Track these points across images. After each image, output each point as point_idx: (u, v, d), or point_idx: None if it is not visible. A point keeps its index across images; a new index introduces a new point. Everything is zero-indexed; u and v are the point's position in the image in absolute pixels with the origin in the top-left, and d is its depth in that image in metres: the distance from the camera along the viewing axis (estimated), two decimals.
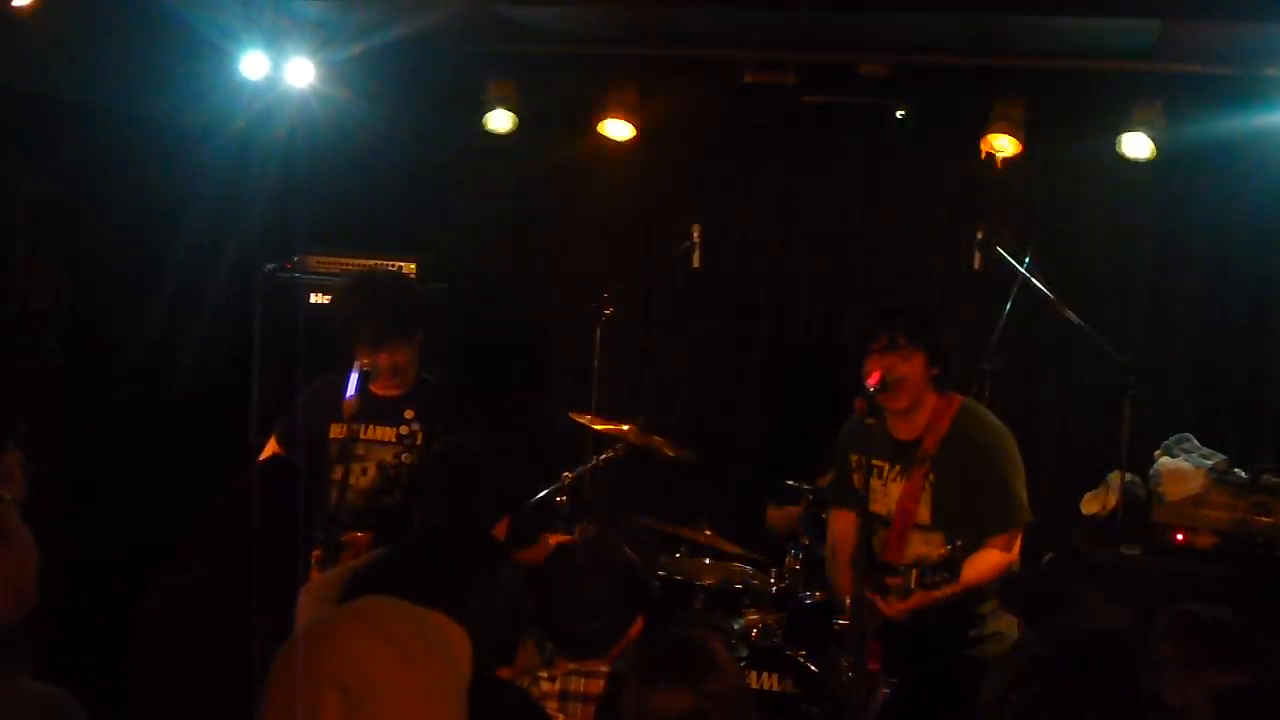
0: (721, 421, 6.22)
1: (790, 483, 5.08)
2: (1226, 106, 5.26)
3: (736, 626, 4.42)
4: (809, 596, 4.51)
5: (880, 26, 5.45)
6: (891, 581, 3.55)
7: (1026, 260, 4.93)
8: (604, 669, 2.73)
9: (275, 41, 5.43)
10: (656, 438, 4.90)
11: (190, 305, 5.73)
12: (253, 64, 5.41)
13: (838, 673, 3.83)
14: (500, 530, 3.26)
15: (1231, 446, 5.24)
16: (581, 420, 4.97)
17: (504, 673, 2.45)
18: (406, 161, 6.28)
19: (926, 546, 3.76)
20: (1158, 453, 5.27)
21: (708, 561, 4.86)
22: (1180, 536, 4.98)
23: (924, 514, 3.81)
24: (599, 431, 4.91)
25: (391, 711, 1.47)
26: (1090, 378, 5.67)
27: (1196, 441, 5.28)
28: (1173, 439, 5.31)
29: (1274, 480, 4.95)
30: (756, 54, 5.66)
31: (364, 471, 4.08)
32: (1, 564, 2.04)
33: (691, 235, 5.56)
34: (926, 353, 3.74)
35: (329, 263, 5.75)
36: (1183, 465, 5.12)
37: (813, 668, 4.12)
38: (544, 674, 2.74)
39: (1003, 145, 5.43)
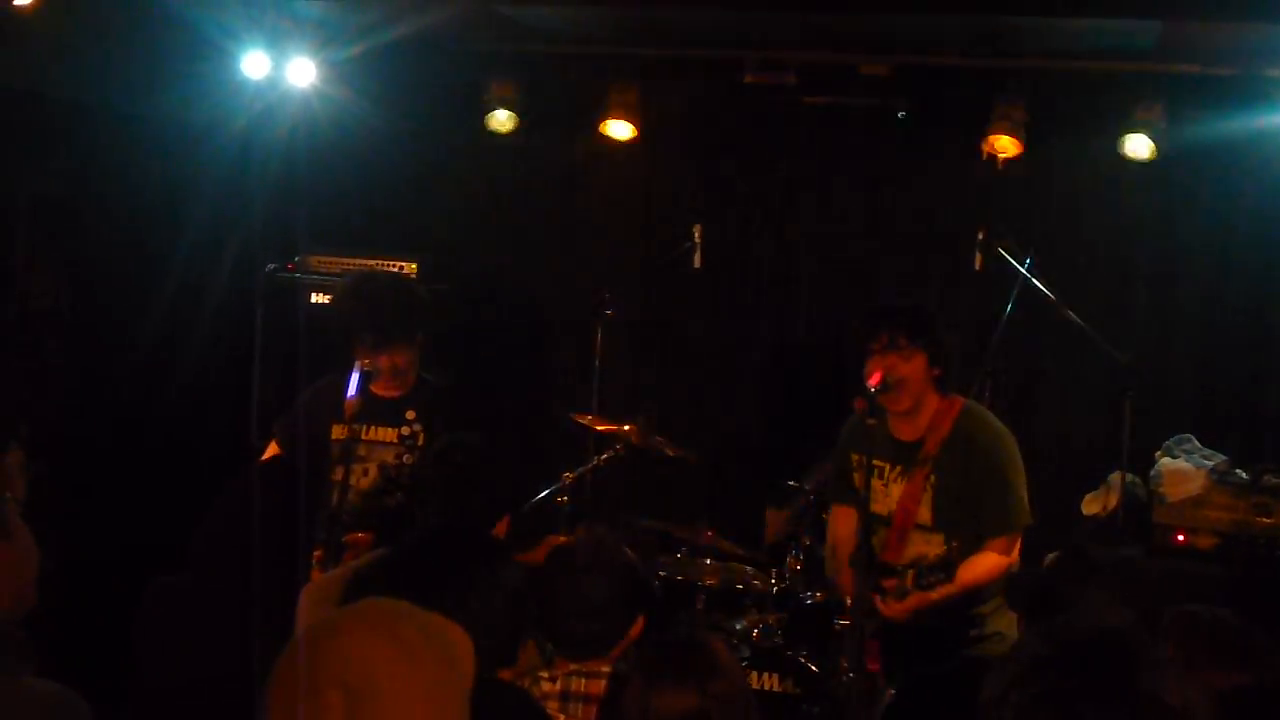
0: (722, 421, 6.22)
1: (791, 483, 5.08)
2: (1227, 107, 5.27)
3: (738, 627, 4.42)
4: (810, 597, 4.51)
5: (881, 27, 5.44)
6: (888, 583, 3.55)
7: (1027, 261, 4.94)
8: (605, 669, 2.73)
9: (277, 41, 5.43)
10: (657, 437, 4.90)
11: (191, 305, 5.72)
12: (254, 64, 5.41)
13: (837, 673, 3.83)
14: (500, 529, 3.27)
15: (1232, 447, 5.24)
16: (582, 420, 4.97)
17: (505, 674, 2.45)
18: (407, 161, 6.28)
19: (927, 547, 3.76)
20: (1158, 453, 5.27)
21: (708, 562, 4.86)
22: (1181, 537, 4.99)
23: (925, 515, 3.81)
24: (600, 431, 4.91)
25: (394, 712, 1.47)
26: (1091, 378, 5.67)
27: (1197, 442, 5.28)
28: (1173, 440, 5.31)
29: (1275, 481, 4.96)
30: (757, 54, 5.66)
31: (365, 472, 4.08)
32: (2, 564, 2.04)
33: (692, 235, 5.57)
34: (927, 353, 3.74)
35: (330, 262, 5.75)
36: (1183, 466, 5.12)
37: (813, 668, 4.12)
38: (545, 674, 2.74)
39: (1004, 146, 5.43)
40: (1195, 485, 5.02)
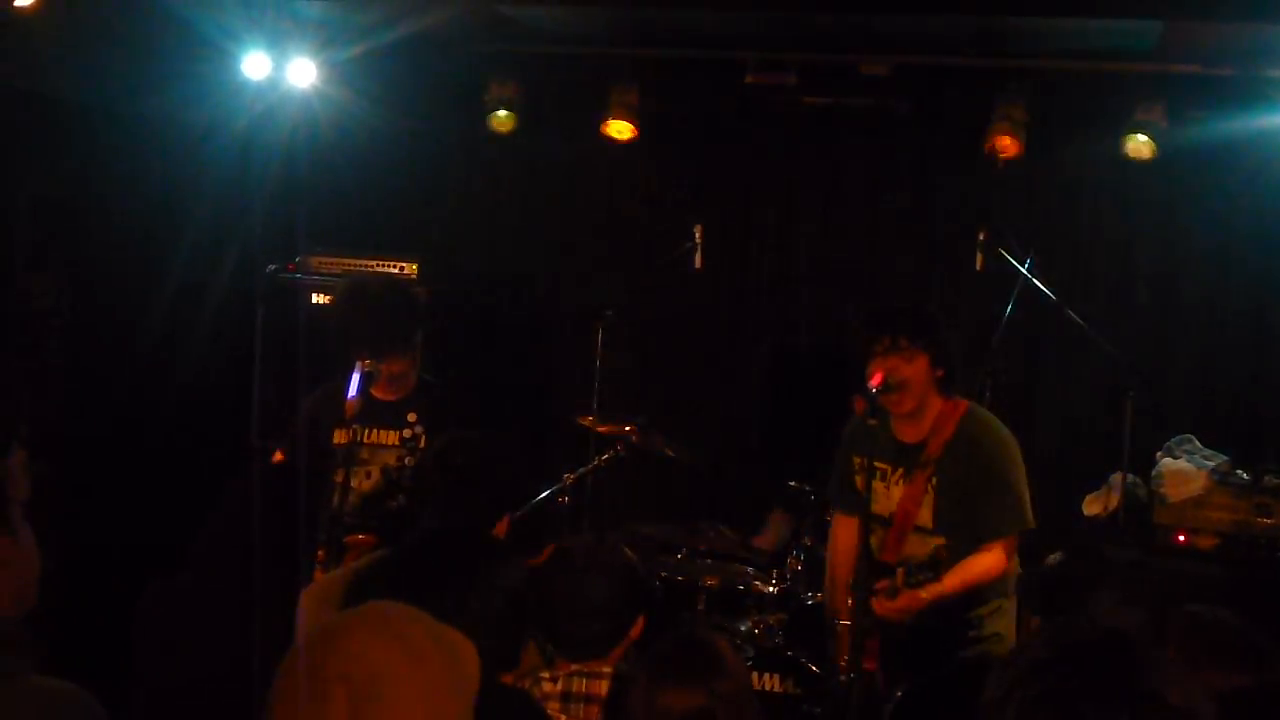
0: (722, 422, 6.22)
1: (792, 484, 5.08)
2: (1227, 107, 5.26)
3: (743, 628, 4.42)
4: (810, 597, 4.51)
5: (881, 27, 5.44)
6: (880, 583, 3.56)
7: (1028, 261, 4.93)
8: (606, 669, 2.73)
9: (277, 42, 5.43)
10: (657, 438, 4.90)
11: (192, 305, 5.73)
12: (255, 64, 5.41)
13: (835, 673, 3.83)
14: (501, 530, 3.26)
15: (1233, 448, 5.24)
16: (583, 421, 4.97)
17: (506, 675, 2.45)
18: (408, 162, 6.28)
19: (924, 549, 3.76)
20: (1159, 454, 5.27)
21: (709, 562, 4.86)
22: (1182, 538, 4.99)
23: (925, 517, 3.79)
24: (600, 432, 4.91)
25: (398, 712, 1.47)
26: (1092, 378, 5.67)
27: (1198, 443, 5.28)
28: (1174, 440, 5.30)
29: (1275, 481, 4.95)
30: (757, 54, 5.66)
31: (368, 475, 4.09)
32: (7, 565, 2.03)
33: (693, 235, 5.57)
34: (930, 354, 3.72)
35: (330, 263, 5.75)
36: (1184, 466, 5.12)
37: (814, 668, 4.12)
38: (546, 675, 2.74)
39: (1004, 146, 5.43)
40: (1196, 486, 5.02)
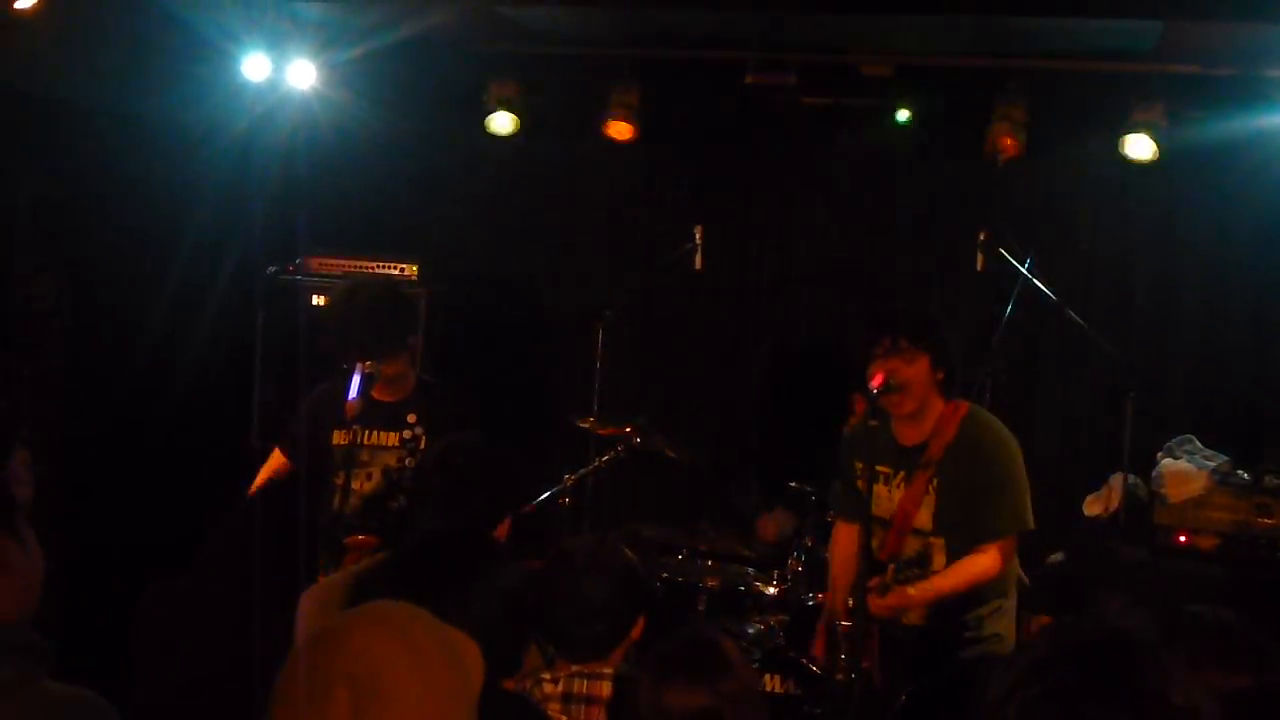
0: (723, 423, 6.22)
1: (792, 484, 5.08)
2: (1227, 107, 5.27)
3: (750, 631, 4.43)
4: (811, 598, 4.51)
5: (882, 27, 5.45)
6: (873, 581, 3.56)
7: (1028, 261, 4.93)
8: (607, 670, 2.73)
9: (277, 43, 5.43)
10: (658, 439, 4.89)
11: (192, 307, 5.73)
12: (255, 66, 5.41)
13: (834, 673, 3.83)
14: (502, 532, 3.26)
15: (1233, 448, 5.24)
16: (583, 423, 4.97)
17: (508, 681, 2.45)
18: (408, 163, 6.28)
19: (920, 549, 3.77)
20: (1160, 454, 5.27)
21: (710, 563, 4.86)
22: (1182, 538, 4.98)
23: (925, 519, 3.79)
24: (601, 433, 4.90)
25: (401, 712, 1.46)
26: (1092, 379, 5.67)
27: (1199, 443, 5.28)
28: (1175, 440, 5.30)
29: (1276, 482, 4.96)
30: (758, 55, 5.66)
31: (369, 476, 4.08)
32: (13, 568, 2.03)
33: (693, 236, 5.56)
34: (930, 355, 3.72)
35: (331, 264, 5.75)
36: (1185, 467, 5.12)
37: (815, 669, 4.12)
38: (546, 675, 2.74)
39: (1004, 146, 5.43)
40: (1197, 486, 5.02)
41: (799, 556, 4.67)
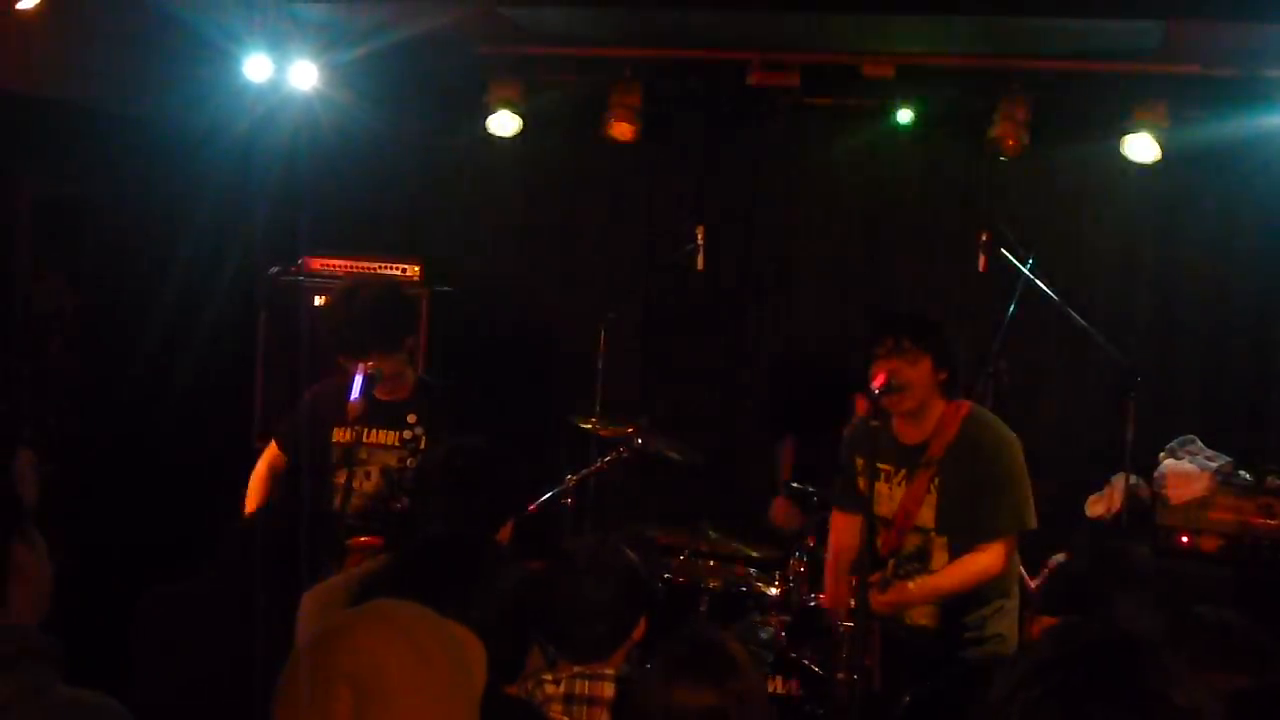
0: (725, 423, 6.21)
1: (794, 484, 5.07)
2: (1230, 108, 5.26)
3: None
4: (812, 599, 4.51)
5: (884, 27, 5.44)
6: (873, 577, 3.56)
7: (1030, 262, 4.93)
8: (609, 671, 2.72)
9: (279, 44, 5.43)
10: (660, 440, 4.89)
11: (194, 308, 5.73)
12: (256, 67, 5.41)
13: (835, 673, 3.83)
14: (505, 533, 3.26)
15: (1236, 449, 5.24)
16: (585, 423, 4.97)
17: (511, 686, 2.45)
18: (410, 164, 6.28)
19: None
20: (1162, 455, 5.27)
21: (711, 564, 4.86)
22: (1185, 539, 4.98)
23: (927, 518, 3.79)
24: (602, 434, 4.90)
25: (403, 711, 1.46)
26: (1094, 379, 5.66)
27: (1201, 444, 5.27)
28: (1177, 441, 5.30)
29: (1278, 483, 4.95)
30: (760, 55, 5.66)
31: (367, 475, 4.08)
32: (29, 573, 2.03)
33: (695, 237, 5.56)
34: (932, 356, 3.73)
35: (332, 265, 5.75)
36: (1187, 467, 5.12)
37: (816, 670, 4.12)
38: (548, 677, 2.73)
39: (1006, 146, 5.43)
40: (1199, 487, 5.02)
41: (800, 558, 4.67)
